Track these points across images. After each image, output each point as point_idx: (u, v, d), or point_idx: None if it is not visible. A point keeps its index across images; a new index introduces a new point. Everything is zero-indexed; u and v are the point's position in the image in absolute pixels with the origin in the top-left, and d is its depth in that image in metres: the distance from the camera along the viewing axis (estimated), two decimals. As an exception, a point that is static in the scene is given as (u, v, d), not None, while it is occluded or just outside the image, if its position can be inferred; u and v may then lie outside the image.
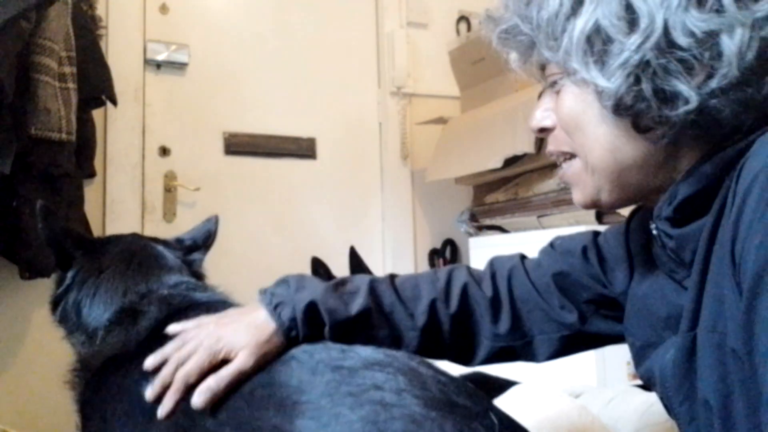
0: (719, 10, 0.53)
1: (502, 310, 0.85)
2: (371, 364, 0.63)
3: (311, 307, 0.76)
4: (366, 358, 0.64)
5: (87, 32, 2.03)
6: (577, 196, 0.69)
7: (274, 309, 0.76)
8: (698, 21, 0.53)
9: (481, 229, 2.39)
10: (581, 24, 0.58)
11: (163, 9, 2.41)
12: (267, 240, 2.46)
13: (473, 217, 2.42)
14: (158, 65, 2.37)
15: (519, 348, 0.86)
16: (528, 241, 1.96)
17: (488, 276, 0.88)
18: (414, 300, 0.83)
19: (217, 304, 0.86)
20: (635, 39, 0.55)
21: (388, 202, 2.70)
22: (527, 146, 1.90)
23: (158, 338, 0.77)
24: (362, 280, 0.84)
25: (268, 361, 0.71)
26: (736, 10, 0.53)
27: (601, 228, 1.84)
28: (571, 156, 0.68)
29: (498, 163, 2.00)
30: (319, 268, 1.20)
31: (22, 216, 1.78)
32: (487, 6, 0.71)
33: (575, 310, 0.83)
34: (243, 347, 0.72)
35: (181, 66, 2.40)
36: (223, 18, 2.52)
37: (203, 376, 0.70)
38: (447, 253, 2.70)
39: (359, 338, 0.76)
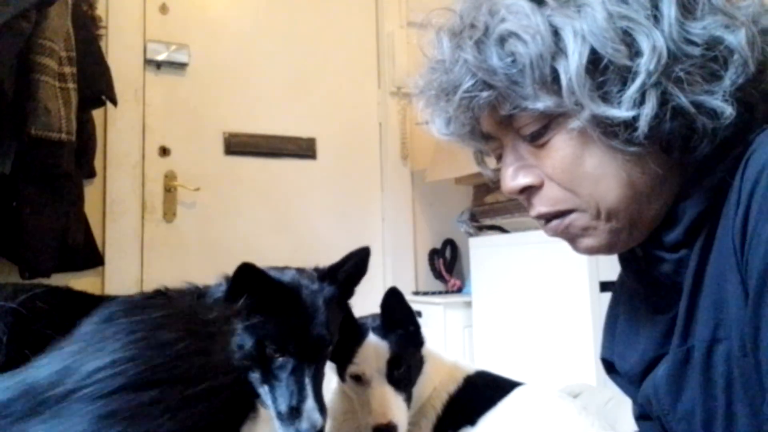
0: (710, 15, 0.52)
1: None
2: None
3: None
4: None
5: (87, 32, 2.03)
6: (589, 243, 0.62)
7: None
8: (698, 29, 0.52)
9: (481, 229, 2.39)
10: (576, 57, 0.53)
11: (163, 9, 2.41)
12: (267, 240, 2.46)
13: (473, 217, 2.41)
14: (158, 65, 2.37)
15: None
16: (528, 241, 1.96)
17: None
18: None
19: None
20: (647, 59, 0.51)
21: (388, 202, 2.70)
22: (527, 146, 1.90)
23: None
24: None
25: None
26: (730, 10, 0.52)
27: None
28: (569, 211, 0.61)
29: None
30: (249, 275, 0.92)
31: (22, 216, 1.78)
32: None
33: None
34: None
35: (181, 66, 2.40)
36: (223, 18, 2.52)
37: None
38: (447, 253, 2.70)
39: None
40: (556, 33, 0.54)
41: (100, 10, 2.19)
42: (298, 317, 0.94)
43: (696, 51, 0.52)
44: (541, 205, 0.62)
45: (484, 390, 1.10)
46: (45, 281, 1.92)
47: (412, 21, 2.76)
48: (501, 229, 2.30)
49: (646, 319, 0.67)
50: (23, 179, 1.77)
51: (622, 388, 0.76)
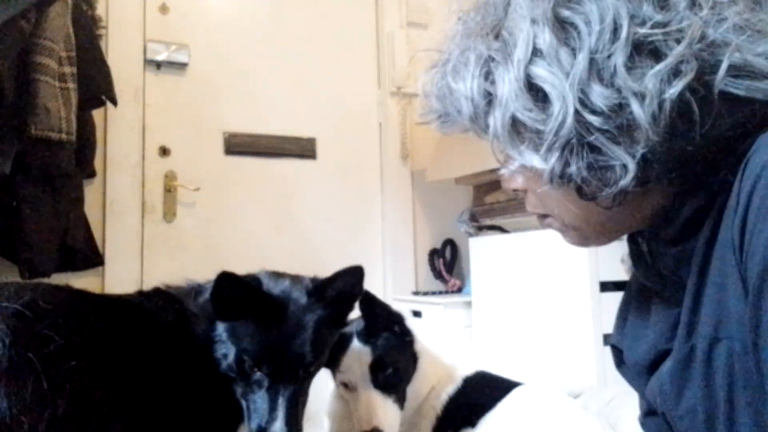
0: (615, 84, 0.53)
1: None
2: None
3: None
4: None
5: (87, 32, 2.03)
6: (568, 241, 0.71)
7: None
8: (601, 97, 0.53)
9: (481, 229, 2.39)
10: (499, 119, 0.59)
11: (163, 9, 2.41)
12: (267, 240, 2.46)
13: (473, 217, 2.41)
14: (158, 65, 2.37)
15: None
16: (528, 241, 1.96)
17: None
18: None
19: None
20: (552, 125, 0.55)
21: (388, 202, 2.70)
22: (527, 146, 1.90)
23: None
24: None
25: None
26: (633, 81, 0.53)
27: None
28: (546, 215, 0.69)
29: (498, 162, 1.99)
30: (232, 284, 0.89)
31: (22, 216, 1.78)
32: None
33: None
34: None
35: (181, 66, 2.40)
36: (223, 18, 2.52)
37: None
38: (447, 253, 2.70)
39: None
40: (490, 91, 0.60)
41: (100, 10, 2.19)
42: (279, 333, 0.90)
43: (596, 120, 0.54)
44: (527, 205, 0.71)
45: (483, 390, 1.11)
46: (45, 281, 1.92)
47: (412, 21, 2.76)
48: (501, 229, 2.30)
49: (655, 311, 0.69)
50: (23, 179, 1.77)
51: (630, 381, 0.77)
